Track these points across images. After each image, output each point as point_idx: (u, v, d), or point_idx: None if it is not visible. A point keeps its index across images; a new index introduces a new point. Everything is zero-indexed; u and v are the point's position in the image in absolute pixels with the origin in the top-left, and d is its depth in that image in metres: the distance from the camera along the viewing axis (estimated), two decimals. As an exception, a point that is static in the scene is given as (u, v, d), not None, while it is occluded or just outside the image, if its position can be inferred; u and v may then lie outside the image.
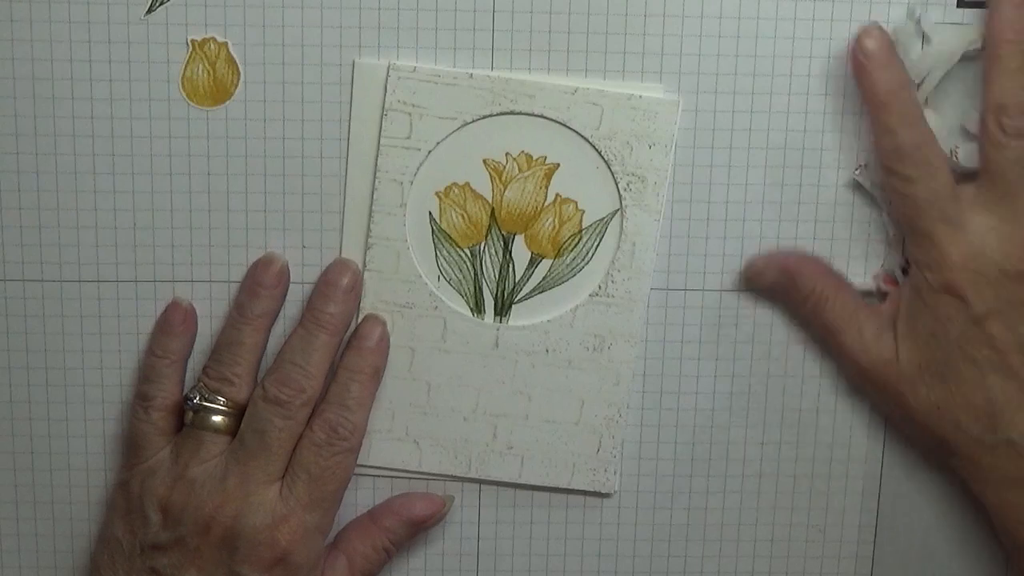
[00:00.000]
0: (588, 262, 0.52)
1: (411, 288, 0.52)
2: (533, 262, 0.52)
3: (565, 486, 0.54)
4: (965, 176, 0.49)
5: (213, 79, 0.50)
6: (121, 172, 0.51)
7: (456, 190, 0.51)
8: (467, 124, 0.51)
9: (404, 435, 0.53)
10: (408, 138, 0.51)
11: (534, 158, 0.51)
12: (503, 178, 0.51)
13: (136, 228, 0.52)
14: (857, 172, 0.50)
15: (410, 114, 0.51)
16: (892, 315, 0.50)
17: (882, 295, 0.52)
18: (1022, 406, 0.48)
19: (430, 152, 0.51)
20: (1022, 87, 0.47)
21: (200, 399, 0.50)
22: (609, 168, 0.51)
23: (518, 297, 0.52)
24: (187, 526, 0.49)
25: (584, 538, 0.54)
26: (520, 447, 0.53)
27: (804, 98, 0.51)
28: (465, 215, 0.51)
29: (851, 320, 0.50)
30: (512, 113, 0.51)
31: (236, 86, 0.51)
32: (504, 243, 0.52)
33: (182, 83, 0.50)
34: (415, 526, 0.53)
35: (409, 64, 0.50)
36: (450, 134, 0.51)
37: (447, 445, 0.53)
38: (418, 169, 0.51)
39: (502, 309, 0.52)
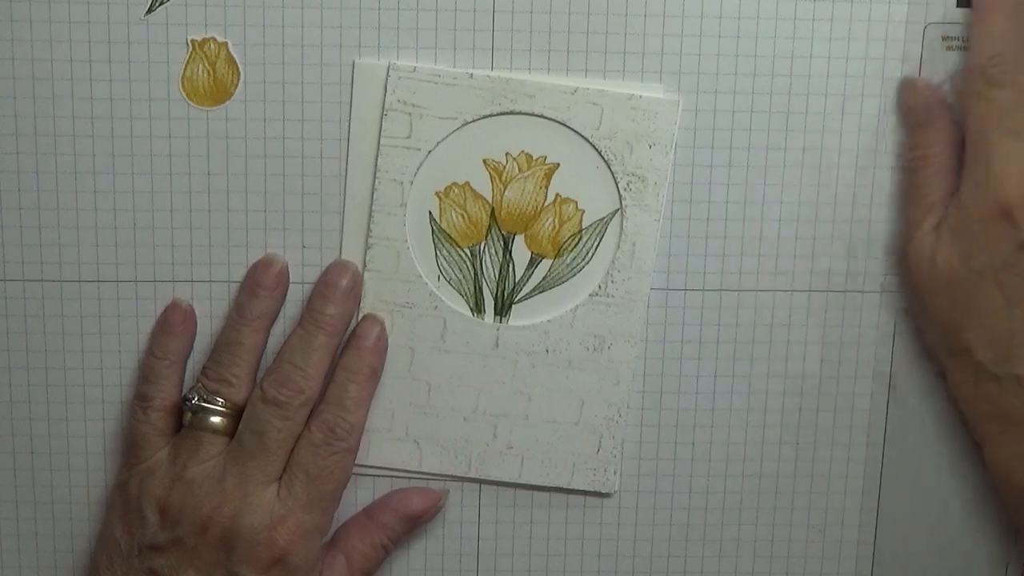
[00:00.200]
0: (588, 262, 0.52)
1: (411, 288, 0.52)
2: (533, 262, 0.52)
3: (565, 486, 0.54)
4: None
5: (213, 79, 0.50)
6: (121, 172, 0.51)
7: (456, 190, 0.51)
8: (467, 124, 0.51)
9: (404, 435, 0.53)
10: (408, 138, 0.51)
11: (534, 158, 0.51)
12: (503, 178, 0.51)
13: (136, 228, 0.52)
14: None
15: (410, 114, 0.51)
16: (943, 219, 0.49)
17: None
18: None
19: (430, 152, 0.51)
20: None
21: (199, 400, 0.50)
22: (609, 168, 0.51)
23: (518, 297, 0.52)
24: (185, 527, 0.49)
25: (584, 538, 0.54)
26: (520, 447, 0.53)
27: (804, 98, 0.51)
28: (465, 215, 0.51)
29: (928, 198, 0.50)
30: (512, 113, 0.51)
31: (236, 86, 0.51)
32: (504, 243, 0.52)
33: (182, 83, 0.50)
34: (412, 521, 0.53)
35: (409, 64, 0.50)
36: (450, 134, 0.51)
37: (447, 445, 0.53)
38: (418, 169, 0.51)
39: (502, 309, 0.52)
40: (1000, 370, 0.48)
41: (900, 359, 0.53)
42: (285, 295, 0.52)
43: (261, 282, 0.51)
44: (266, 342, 0.52)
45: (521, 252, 0.52)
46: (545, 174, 0.51)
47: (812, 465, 0.54)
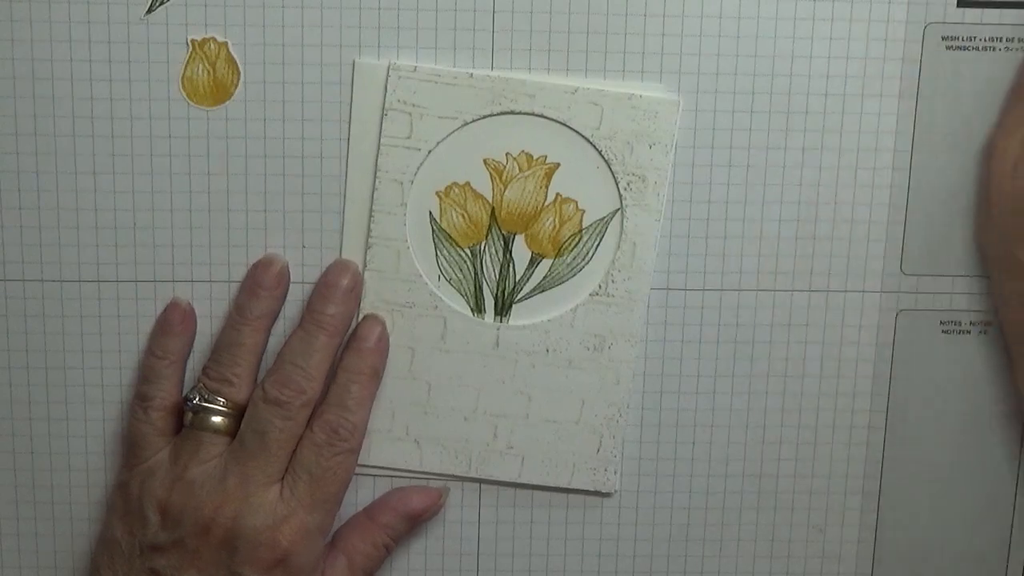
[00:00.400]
0: (588, 262, 0.52)
1: (411, 288, 0.52)
2: (533, 262, 0.52)
3: (565, 486, 0.54)
4: None
5: (213, 79, 0.50)
6: (121, 172, 0.51)
7: (456, 190, 0.51)
8: (467, 124, 0.51)
9: (404, 435, 0.53)
10: (408, 138, 0.51)
11: (534, 158, 0.51)
12: (503, 178, 0.51)
13: (136, 228, 0.52)
14: None
15: (410, 114, 0.51)
16: None
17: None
18: None
19: (430, 152, 0.51)
20: None
21: (200, 400, 0.50)
22: (609, 168, 0.51)
23: (518, 297, 0.52)
24: (186, 527, 0.49)
25: (584, 538, 0.54)
26: (520, 447, 0.53)
27: (804, 98, 0.51)
28: (465, 215, 0.51)
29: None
30: (512, 113, 0.51)
31: (236, 86, 0.51)
32: (504, 243, 0.52)
33: (182, 83, 0.50)
34: (413, 520, 0.53)
35: (409, 64, 0.50)
36: (450, 134, 0.51)
37: (447, 445, 0.53)
38: (418, 169, 0.51)
39: (502, 309, 0.52)
40: None
41: (900, 359, 0.53)
42: (286, 295, 0.52)
43: (261, 282, 0.51)
44: (267, 342, 0.52)
45: (521, 252, 0.52)
46: (545, 174, 0.51)
47: (812, 465, 0.54)
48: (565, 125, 0.51)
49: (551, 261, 0.52)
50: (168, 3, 0.50)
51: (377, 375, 0.51)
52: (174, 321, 0.52)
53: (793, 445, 0.54)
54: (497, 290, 0.52)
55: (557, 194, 0.51)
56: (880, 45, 0.51)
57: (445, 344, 0.52)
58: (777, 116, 0.51)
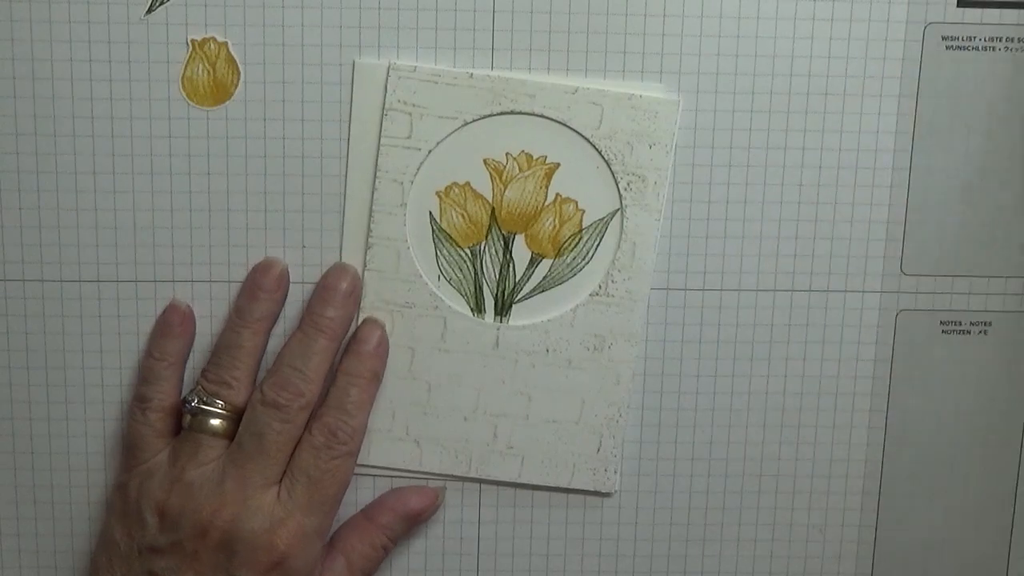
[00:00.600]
0: (588, 262, 0.52)
1: (411, 288, 0.52)
2: (533, 262, 0.52)
3: (565, 486, 0.54)
4: None
5: (213, 79, 0.50)
6: (121, 172, 0.51)
7: (456, 190, 0.51)
8: (467, 124, 0.51)
9: (404, 435, 0.53)
10: (408, 138, 0.51)
11: (534, 158, 0.51)
12: (503, 178, 0.51)
13: (136, 228, 0.52)
14: None
15: (410, 114, 0.51)
16: None
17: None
18: None
19: (430, 152, 0.51)
20: None
21: (198, 402, 0.50)
22: (609, 168, 0.51)
23: (518, 297, 0.52)
24: (184, 530, 0.49)
25: (584, 538, 0.54)
26: (520, 447, 0.53)
27: (804, 98, 0.51)
28: (465, 215, 0.51)
29: None
30: (512, 113, 0.51)
31: (236, 86, 0.51)
32: (504, 243, 0.52)
33: (182, 83, 0.50)
34: (411, 520, 0.53)
35: (409, 64, 0.50)
36: (450, 134, 0.51)
37: (447, 445, 0.53)
38: (418, 169, 0.51)
39: (502, 309, 0.52)
40: None
41: (900, 359, 0.53)
42: (285, 297, 0.52)
43: (261, 285, 0.51)
44: (266, 345, 0.52)
45: (521, 252, 0.52)
46: (545, 174, 0.51)
47: (812, 465, 0.54)
48: (565, 125, 0.51)
49: (551, 261, 0.52)
50: (168, 3, 0.50)
51: (376, 378, 0.51)
52: (173, 323, 0.52)
53: (793, 445, 0.54)
54: (497, 290, 0.52)
55: (557, 194, 0.51)
56: (880, 45, 0.51)
57: (445, 344, 0.52)
58: (777, 116, 0.51)
